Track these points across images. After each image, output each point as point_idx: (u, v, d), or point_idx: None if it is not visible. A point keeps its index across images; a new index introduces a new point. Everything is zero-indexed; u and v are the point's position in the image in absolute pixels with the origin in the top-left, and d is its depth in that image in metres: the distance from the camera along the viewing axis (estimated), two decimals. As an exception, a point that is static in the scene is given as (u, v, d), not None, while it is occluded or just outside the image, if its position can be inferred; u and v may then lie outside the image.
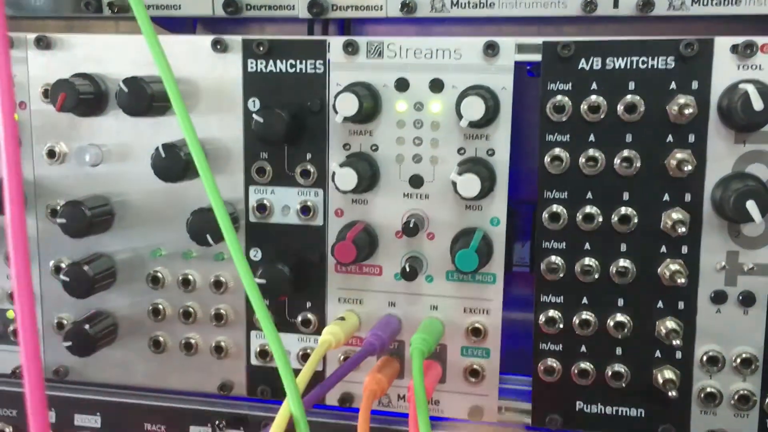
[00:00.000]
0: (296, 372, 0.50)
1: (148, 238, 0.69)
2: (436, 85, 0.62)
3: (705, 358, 0.60)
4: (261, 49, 0.64)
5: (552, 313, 0.62)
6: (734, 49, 0.56)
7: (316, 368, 0.55)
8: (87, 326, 0.68)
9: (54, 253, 0.71)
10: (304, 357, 0.67)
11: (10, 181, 0.35)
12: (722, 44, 0.56)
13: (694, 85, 0.57)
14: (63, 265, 0.70)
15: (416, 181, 0.63)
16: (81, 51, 0.68)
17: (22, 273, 0.35)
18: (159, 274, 0.69)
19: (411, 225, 0.61)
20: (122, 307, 0.71)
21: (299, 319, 0.67)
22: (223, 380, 0.70)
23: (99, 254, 0.70)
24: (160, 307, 0.70)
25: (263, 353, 0.68)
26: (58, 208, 0.69)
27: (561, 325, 0.62)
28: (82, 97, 0.65)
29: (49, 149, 0.69)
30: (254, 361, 0.69)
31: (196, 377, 0.70)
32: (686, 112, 0.56)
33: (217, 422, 0.70)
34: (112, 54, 0.68)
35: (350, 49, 0.62)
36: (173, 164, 0.63)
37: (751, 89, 0.53)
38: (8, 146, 0.34)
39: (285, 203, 0.66)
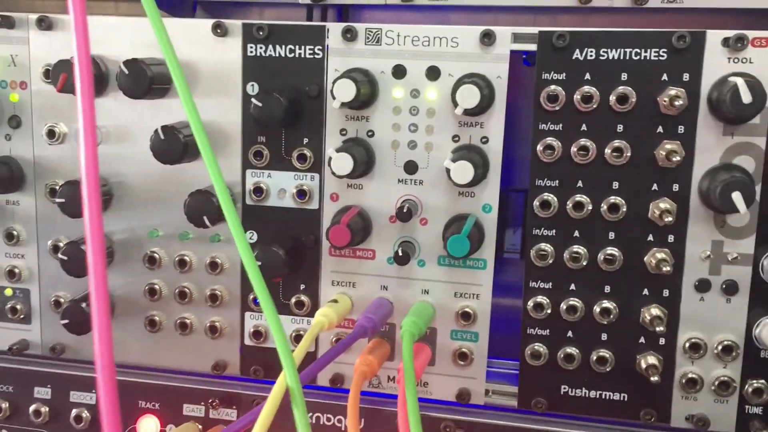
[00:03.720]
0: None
1: (145, 219, 0.70)
2: (433, 73, 0.63)
3: (687, 344, 0.62)
4: (261, 33, 0.65)
5: (540, 298, 0.63)
6: (725, 42, 0.57)
7: (309, 348, 0.57)
8: (84, 304, 0.69)
9: (52, 232, 0.72)
10: (297, 338, 0.69)
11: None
12: (714, 37, 0.58)
13: (686, 77, 0.58)
14: (61, 244, 0.71)
15: (411, 167, 0.64)
16: (82, 32, 0.69)
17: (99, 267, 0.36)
18: (156, 255, 0.70)
19: (405, 210, 0.62)
20: (119, 286, 0.72)
21: (293, 300, 0.68)
22: (216, 360, 0.71)
23: (97, 234, 0.71)
24: (156, 287, 0.71)
25: (257, 334, 0.70)
26: (57, 188, 0.70)
27: (548, 311, 0.63)
28: (83, 77, 0.66)
29: (49, 129, 0.70)
30: (248, 342, 0.70)
31: (190, 356, 0.72)
32: (676, 103, 0.57)
33: (210, 400, 0.71)
34: (112, 35, 0.68)
35: (349, 35, 0.63)
36: (172, 146, 0.64)
37: (740, 82, 0.54)
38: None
39: (281, 187, 0.67)
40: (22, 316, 0.75)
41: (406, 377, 0.55)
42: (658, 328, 0.60)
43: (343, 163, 0.61)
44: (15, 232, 0.73)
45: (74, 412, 0.74)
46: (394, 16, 0.80)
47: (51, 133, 0.70)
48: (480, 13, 0.76)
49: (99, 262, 0.37)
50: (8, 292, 0.75)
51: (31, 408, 0.74)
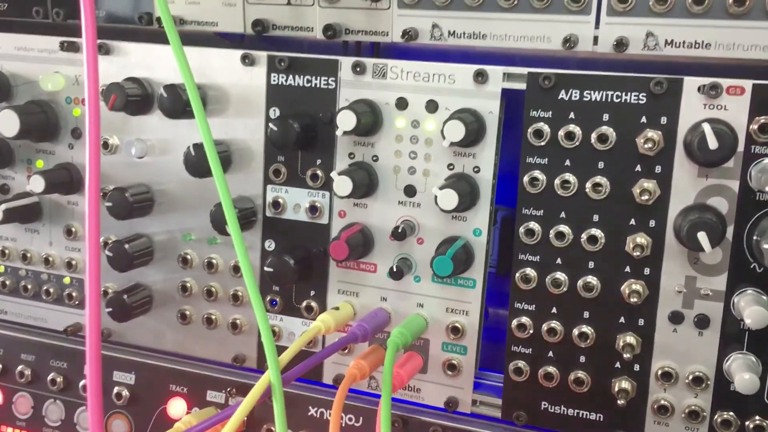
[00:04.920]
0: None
1: (181, 224, 0.80)
2: (432, 106, 0.68)
3: (660, 372, 0.65)
4: (282, 64, 0.72)
5: (524, 319, 0.68)
6: (701, 89, 0.60)
7: (302, 348, 0.64)
8: (125, 296, 0.79)
9: (104, 230, 0.83)
10: (306, 339, 0.76)
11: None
12: (690, 84, 0.61)
13: (663, 120, 0.62)
14: (110, 242, 0.81)
15: (410, 191, 0.70)
16: (134, 58, 0.78)
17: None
18: (188, 256, 0.79)
19: (400, 230, 0.68)
20: (157, 281, 0.82)
21: (303, 305, 0.76)
22: (236, 353, 0.79)
23: (139, 234, 0.80)
24: (188, 284, 0.80)
25: (272, 332, 0.77)
26: (107, 192, 0.80)
27: (531, 331, 0.68)
28: (130, 98, 0.75)
29: (103, 141, 0.80)
30: (264, 339, 0.78)
31: (214, 348, 0.80)
32: (647, 146, 0.61)
33: (228, 389, 0.79)
34: (159, 61, 0.77)
35: (358, 69, 0.70)
36: (201, 161, 0.72)
37: (707, 129, 0.57)
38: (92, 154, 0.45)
39: (296, 202, 0.74)
40: (77, 302, 0.85)
41: (384, 381, 0.62)
42: (626, 355, 0.63)
43: (344, 185, 0.67)
44: (73, 229, 0.84)
45: (116, 389, 0.84)
46: (431, 53, 0.85)
47: (105, 145, 0.80)
48: (504, 49, 0.80)
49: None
50: (66, 280, 0.86)
51: (81, 383, 0.85)
